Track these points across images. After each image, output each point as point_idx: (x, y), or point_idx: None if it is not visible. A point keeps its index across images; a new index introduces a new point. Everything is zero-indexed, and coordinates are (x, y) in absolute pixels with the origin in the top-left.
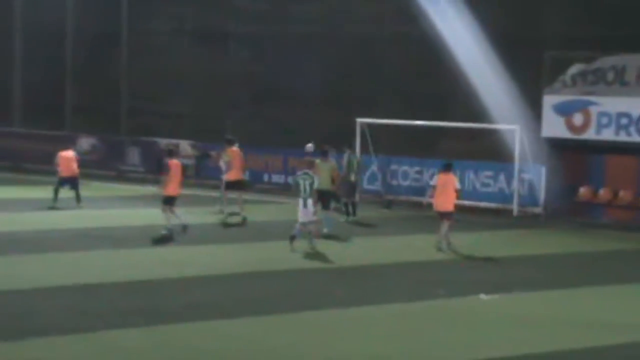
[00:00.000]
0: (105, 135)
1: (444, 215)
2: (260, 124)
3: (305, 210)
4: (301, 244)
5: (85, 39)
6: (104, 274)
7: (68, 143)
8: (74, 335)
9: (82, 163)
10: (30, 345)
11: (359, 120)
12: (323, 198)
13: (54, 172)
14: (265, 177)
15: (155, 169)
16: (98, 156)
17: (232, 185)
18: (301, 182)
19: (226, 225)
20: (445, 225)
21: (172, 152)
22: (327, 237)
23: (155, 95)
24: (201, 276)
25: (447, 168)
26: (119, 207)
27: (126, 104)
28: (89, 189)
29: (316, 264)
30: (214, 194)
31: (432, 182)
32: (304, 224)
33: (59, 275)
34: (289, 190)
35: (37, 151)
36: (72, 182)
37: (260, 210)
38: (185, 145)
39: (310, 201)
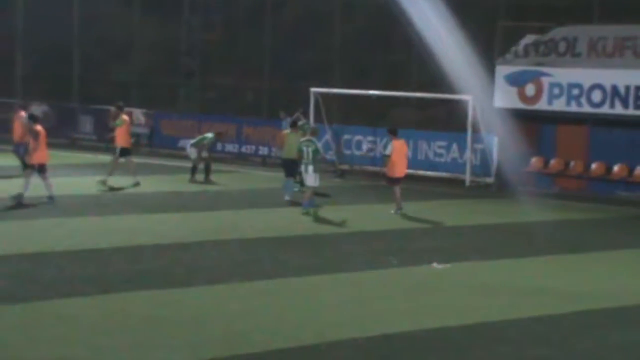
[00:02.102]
0: (57, 103)
1: (398, 181)
2: (213, 92)
3: (307, 176)
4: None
5: (36, 6)
6: (52, 242)
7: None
8: (24, 304)
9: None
10: None
11: (313, 89)
12: (289, 166)
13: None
14: (219, 146)
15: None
16: (50, 124)
17: (126, 152)
18: (304, 148)
19: (112, 190)
20: (398, 191)
21: (36, 118)
22: (288, 204)
23: (107, 64)
24: (152, 244)
25: (395, 133)
26: (69, 175)
27: (78, 72)
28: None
29: (270, 233)
30: (168, 162)
31: (387, 152)
32: (308, 188)
33: (5, 244)
34: (243, 160)
35: None
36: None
37: (214, 180)
38: (138, 114)
39: (311, 167)
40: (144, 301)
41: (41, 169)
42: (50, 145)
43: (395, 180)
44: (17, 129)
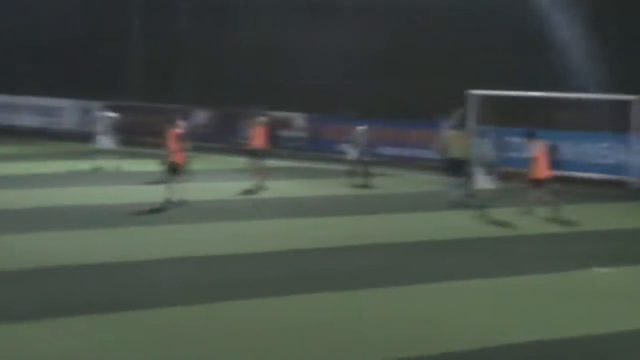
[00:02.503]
0: (219, 109)
1: (542, 183)
2: (374, 96)
3: (478, 178)
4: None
5: (199, 14)
6: (216, 246)
7: (183, 116)
8: (188, 307)
9: (195, 136)
10: (142, 314)
11: (471, 92)
12: (455, 167)
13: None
14: (380, 150)
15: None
16: (212, 129)
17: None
18: (477, 150)
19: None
20: (542, 193)
21: (175, 121)
22: (453, 205)
23: (268, 69)
24: (309, 249)
25: (533, 136)
26: (231, 180)
27: (239, 78)
28: (202, 161)
29: (433, 236)
30: (328, 166)
31: (532, 154)
32: (478, 191)
33: (175, 247)
34: (403, 163)
35: (154, 125)
36: None
37: (373, 183)
38: (298, 119)
39: (482, 170)
40: (303, 305)
41: (176, 170)
42: (214, 150)
43: (538, 182)
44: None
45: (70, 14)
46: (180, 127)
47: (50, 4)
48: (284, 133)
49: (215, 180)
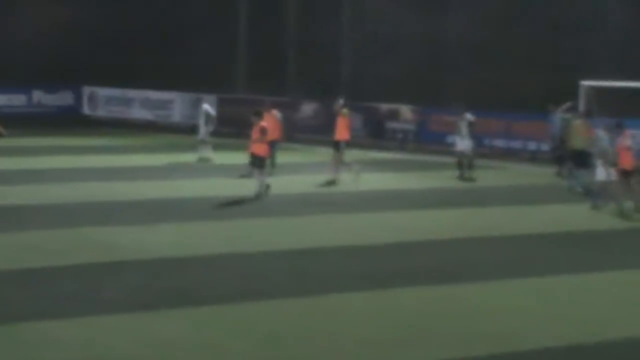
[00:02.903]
0: (326, 101)
1: (629, 174)
2: (480, 87)
3: (598, 170)
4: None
5: (306, 5)
6: (326, 238)
7: (290, 109)
8: (297, 299)
9: (304, 129)
10: (258, 306)
11: (584, 83)
12: (579, 158)
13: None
14: (486, 141)
15: (375, 134)
16: (319, 122)
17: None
18: (599, 142)
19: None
20: (628, 184)
21: (261, 114)
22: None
23: (375, 60)
24: (420, 241)
25: (621, 126)
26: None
27: (347, 69)
28: (311, 154)
29: (541, 229)
30: (436, 158)
31: (630, 143)
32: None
33: (283, 239)
34: (510, 155)
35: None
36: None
37: (481, 176)
38: (405, 110)
39: (601, 161)
40: (414, 297)
41: (256, 163)
42: (319, 142)
43: (627, 173)
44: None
45: (178, 6)
46: (272, 118)
47: None
48: (391, 125)
49: (319, 172)
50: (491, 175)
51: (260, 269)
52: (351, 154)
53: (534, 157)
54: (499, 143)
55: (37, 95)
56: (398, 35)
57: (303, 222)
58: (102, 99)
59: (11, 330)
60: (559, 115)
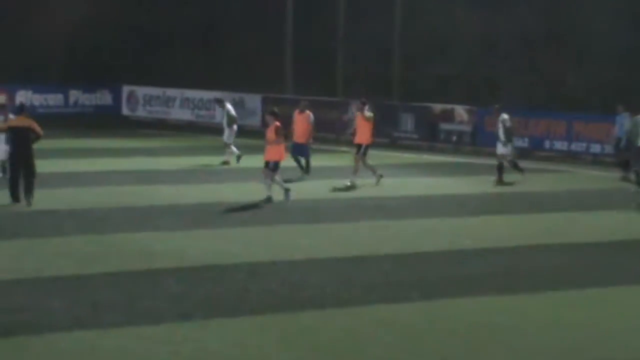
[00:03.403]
0: (378, 101)
1: None
2: (540, 85)
3: None
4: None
5: (356, 2)
6: (375, 246)
7: (340, 109)
8: (347, 308)
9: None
10: (304, 316)
11: None
12: None
13: (325, 139)
14: (546, 144)
15: (428, 135)
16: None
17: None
18: None
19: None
20: None
21: (277, 114)
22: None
23: (428, 58)
24: (475, 248)
25: None
26: (391, 176)
27: (398, 69)
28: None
29: (605, 237)
30: (491, 161)
31: None
32: None
33: (331, 246)
34: (572, 158)
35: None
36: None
37: (540, 180)
38: (460, 111)
39: None
40: (468, 308)
41: (269, 166)
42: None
43: None
44: (299, 129)
45: (227, 4)
46: (304, 119)
47: None
48: (445, 126)
49: (368, 177)
50: (551, 180)
51: (305, 277)
52: (406, 157)
53: (597, 161)
54: (560, 145)
55: (75, 95)
56: (452, 31)
57: (349, 228)
58: (141, 99)
59: (47, 340)
60: (627, 117)
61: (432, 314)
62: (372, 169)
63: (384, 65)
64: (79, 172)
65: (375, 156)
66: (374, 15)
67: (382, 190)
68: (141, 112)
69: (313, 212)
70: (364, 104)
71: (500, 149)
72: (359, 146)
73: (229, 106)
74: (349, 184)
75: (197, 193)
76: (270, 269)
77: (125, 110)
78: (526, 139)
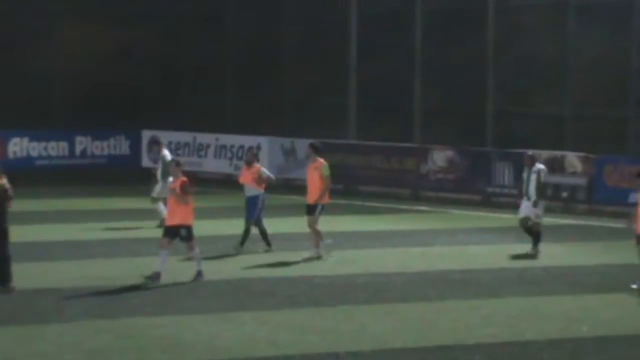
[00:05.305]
0: (466, 147)
1: None
2: None
3: None
4: None
5: (432, 22)
6: (463, 332)
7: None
8: None
9: (435, 184)
10: None
11: None
12: None
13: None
14: None
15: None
16: (456, 175)
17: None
18: None
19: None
20: None
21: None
22: None
23: (530, 92)
24: (594, 336)
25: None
26: (482, 243)
27: (493, 104)
28: (444, 219)
29: None
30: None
31: None
32: None
33: (407, 332)
34: None
35: (375, 169)
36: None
37: None
38: (573, 159)
39: None
40: None
41: (186, 234)
42: (457, 202)
43: None
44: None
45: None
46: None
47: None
48: (554, 178)
49: (453, 243)
50: None
51: None
52: (502, 218)
53: None
54: None
55: (82, 143)
56: (562, 58)
57: (430, 309)
58: (166, 147)
59: None
60: None
61: None
62: (317, 239)
63: (473, 100)
64: (87, 241)
65: (465, 217)
66: (460, 35)
67: (472, 261)
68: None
69: (381, 289)
70: (315, 150)
71: (527, 209)
72: (312, 207)
73: (165, 151)
74: (310, 255)
75: (234, 265)
76: None
77: (146, 161)
78: None
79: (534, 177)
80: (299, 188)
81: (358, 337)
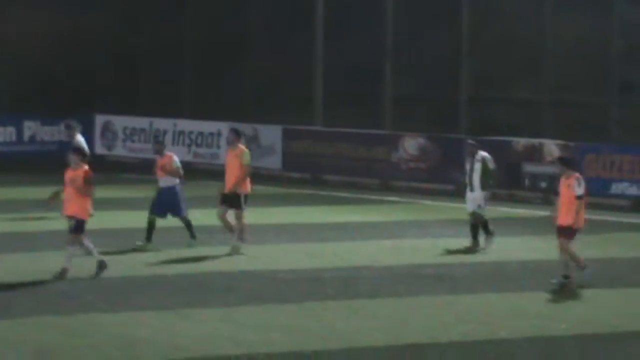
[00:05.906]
0: (439, 134)
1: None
2: None
3: None
4: None
5: (404, 5)
6: (435, 330)
7: (388, 144)
8: None
9: (406, 174)
10: None
11: None
12: None
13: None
14: None
15: (507, 181)
16: (429, 163)
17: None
18: None
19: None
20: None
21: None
22: None
23: (507, 78)
24: (572, 334)
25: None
26: (456, 236)
27: (467, 90)
28: (416, 210)
29: None
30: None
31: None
32: None
33: (377, 330)
34: None
35: (343, 158)
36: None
37: None
38: (551, 147)
39: None
40: None
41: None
42: (430, 192)
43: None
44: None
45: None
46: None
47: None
48: (531, 168)
49: (425, 236)
50: None
51: None
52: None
53: None
54: None
55: (31, 128)
56: (540, 42)
57: (401, 306)
58: (121, 132)
59: None
60: None
61: None
62: (239, 231)
63: (447, 86)
64: (34, 232)
65: (438, 209)
66: (433, 21)
67: (446, 255)
68: (120, 151)
69: (350, 284)
70: (238, 135)
71: (474, 201)
72: (232, 197)
73: (79, 137)
74: (233, 249)
75: (190, 260)
76: None
77: (99, 148)
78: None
79: (477, 166)
80: (264, 178)
81: (325, 335)
